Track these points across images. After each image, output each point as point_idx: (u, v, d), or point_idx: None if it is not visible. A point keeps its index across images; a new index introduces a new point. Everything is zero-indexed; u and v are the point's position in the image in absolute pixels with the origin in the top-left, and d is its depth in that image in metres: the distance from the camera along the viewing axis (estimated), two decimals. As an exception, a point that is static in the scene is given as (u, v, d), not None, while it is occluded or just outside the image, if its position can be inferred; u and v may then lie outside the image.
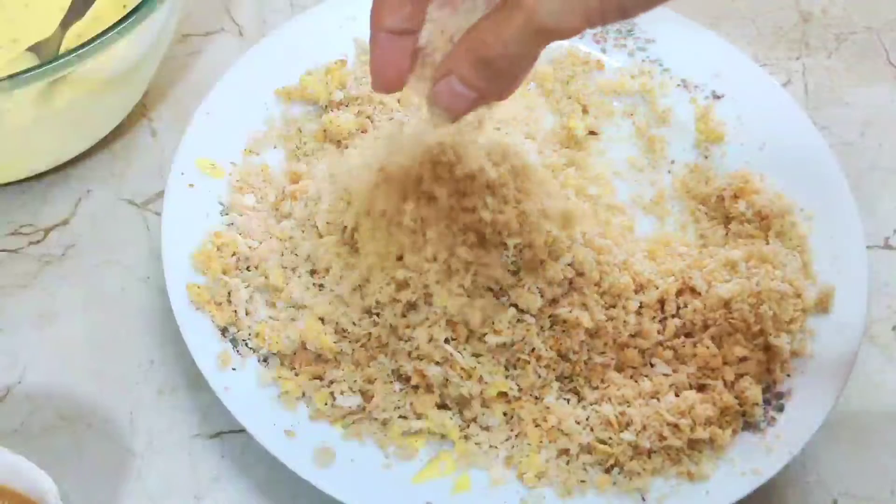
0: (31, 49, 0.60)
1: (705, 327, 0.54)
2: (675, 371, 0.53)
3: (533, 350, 0.51)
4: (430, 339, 0.51)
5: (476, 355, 0.51)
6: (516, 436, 0.52)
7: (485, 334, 0.51)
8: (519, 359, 0.51)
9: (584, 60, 0.65)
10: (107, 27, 0.52)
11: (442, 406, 0.52)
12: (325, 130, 0.60)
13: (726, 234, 0.59)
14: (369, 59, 0.45)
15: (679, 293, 0.55)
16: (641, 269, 0.55)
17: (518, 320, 0.51)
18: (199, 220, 0.56)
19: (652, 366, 0.54)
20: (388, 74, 0.44)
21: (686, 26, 0.65)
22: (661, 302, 0.55)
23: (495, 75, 0.43)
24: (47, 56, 0.59)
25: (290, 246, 0.55)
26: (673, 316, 0.54)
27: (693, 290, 0.55)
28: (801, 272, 0.56)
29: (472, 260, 0.50)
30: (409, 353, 0.51)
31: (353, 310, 0.52)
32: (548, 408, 0.52)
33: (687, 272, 0.55)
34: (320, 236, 0.54)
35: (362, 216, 0.52)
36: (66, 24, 0.61)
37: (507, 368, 0.51)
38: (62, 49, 0.60)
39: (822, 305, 0.55)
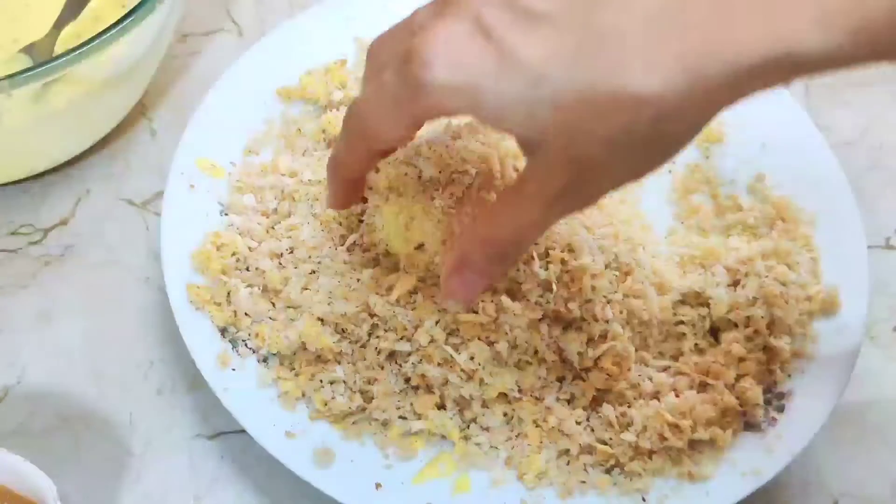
0: (23, 50, 0.60)
1: (713, 330, 0.54)
2: (676, 372, 0.53)
3: (536, 352, 0.51)
4: (431, 340, 0.51)
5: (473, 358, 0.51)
6: (516, 436, 0.51)
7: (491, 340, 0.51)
8: (520, 360, 0.51)
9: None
10: (106, 27, 0.52)
11: (442, 406, 0.52)
12: (324, 130, 0.60)
13: (727, 235, 0.59)
14: (328, 188, 0.50)
15: (692, 298, 0.55)
16: (664, 274, 0.54)
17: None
18: (198, 221, 0.56)
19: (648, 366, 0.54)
20: (343, 202, 0.51)
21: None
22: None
23: (507, 262, 0.45)
24: (40, 57, 0.59)
25: (290, 245, 0.55)
26: (681, 324, 0.54)
27: (702, 296, 0.55)
28: (811, 273, 0.56)
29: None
30: (410, 354, 0.51)
31: (353, 308, 0.52)
32: (548, 408, 0.52)
33: (703, 277, 0.55)
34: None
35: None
36: (59, 24, 0.61)
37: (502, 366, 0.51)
38: (56, 50, 0.60)
39: (828, 308, 0.55)
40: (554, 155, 0.40)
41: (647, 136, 0.38)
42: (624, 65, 0.37)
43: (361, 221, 0.54)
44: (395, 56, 0.41)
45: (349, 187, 0.50)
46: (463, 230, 0.49)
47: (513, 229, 0.43)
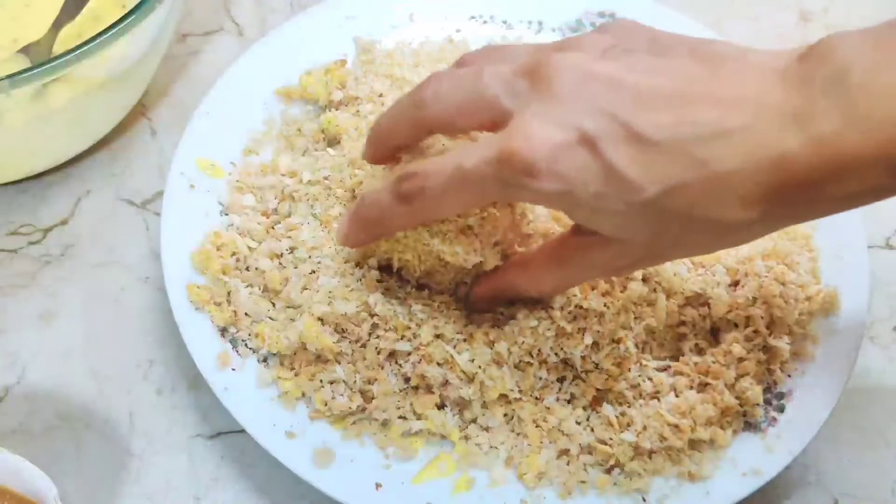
0: (21, 51, 0.60)
1: (713, 329, 0.54)
2: (676, 372, 0.53)
3: (539, 352, 0.51)
4: (435, 339, 0.51)
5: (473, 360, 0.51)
6: (517, 436, 0.51)
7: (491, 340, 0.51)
8: (520, 360, 0.51)
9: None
10: (106, 27, 0.52)
11: (442, 406, 0.52)
12: (323, 130, 0.60)
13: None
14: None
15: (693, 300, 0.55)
16: (672, 280, 0.55)
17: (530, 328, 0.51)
18: (198, 220, 0.56)
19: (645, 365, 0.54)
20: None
21: (687, 26, 0.65)
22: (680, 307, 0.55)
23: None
24: (38, 58, 0.59)
25: (290, 245, 0.55)
26: (681, 324, 0.54)
27: (702, 295, 0.55)
28: (811, 273, 0.56)
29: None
30: (410, 354, 0.51)
31: (353, 308, 0.52)
32: (548, 408, 0.52)
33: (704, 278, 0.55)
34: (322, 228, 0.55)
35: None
36: (58, 24, 0.61)
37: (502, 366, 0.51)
38: (54, 50, 0.60)
39: (828, 308, 0.55)
40: (631, 244, 0.44)
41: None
42: (723, 200, 0.40)
43: None
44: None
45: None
46: (509, 270, 0.51)
47: (550, 288, 0.49)
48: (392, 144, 0.49)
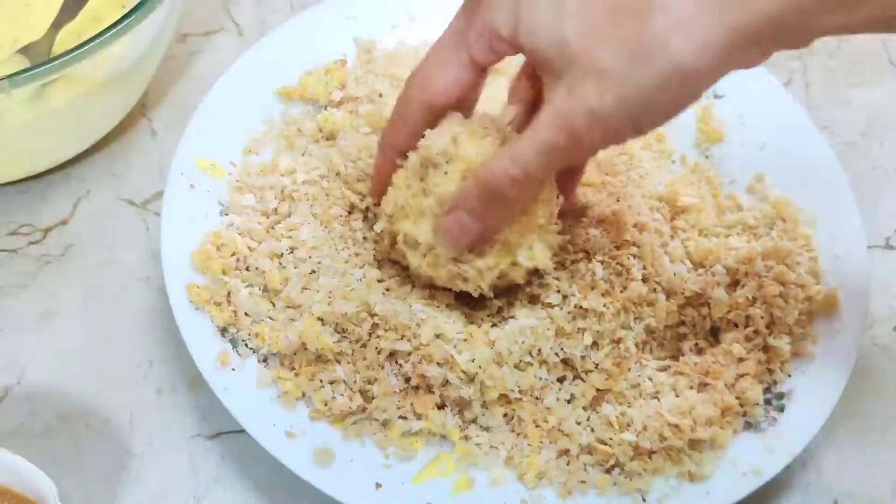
0: (20, 51, 0.60)
1: (713, 329, 0.54)
2: (676, 372, 0.53)
3: (539, 352, 0.51)
4: (435, 339, 0.51)
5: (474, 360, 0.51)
6: (517, 436, 0.51)
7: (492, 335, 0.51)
8: (520, 360, 0.51)
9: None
10: (106, 27, 0.52)
11: (442, 406, 0.52)
12: (321, 129, 0.60)
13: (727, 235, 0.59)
14: (374, 165, 0.52)
15: (695, 298, 0.55)
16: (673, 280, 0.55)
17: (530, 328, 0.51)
18: (198, 221, 0.56)
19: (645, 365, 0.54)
20: (384, 184, 0.51)
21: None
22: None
23: (501, 205, 0.46)
24: (37, 58, 0.59)
25: (290, 245, 0.55)
26: (681, 324, 0.54)
27: (702, 295, 0.55)
28: (811, 273, 0.56)
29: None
30: (410, 354, 0.51)
31: (353, 308, 0.52)
32: (548, 408, 0.51)
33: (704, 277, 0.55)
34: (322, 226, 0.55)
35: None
36: (57, 25, 0.61)
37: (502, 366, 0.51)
38: (54, 50, 0.60)
39: (828, 308, 0.55)
40: (580, 69, 0.41)
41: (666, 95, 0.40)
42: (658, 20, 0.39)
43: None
44: None
45: (392, 165, 0.51)
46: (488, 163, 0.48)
47: (510, 161, 0.44)
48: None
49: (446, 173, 0.48)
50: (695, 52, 0.39)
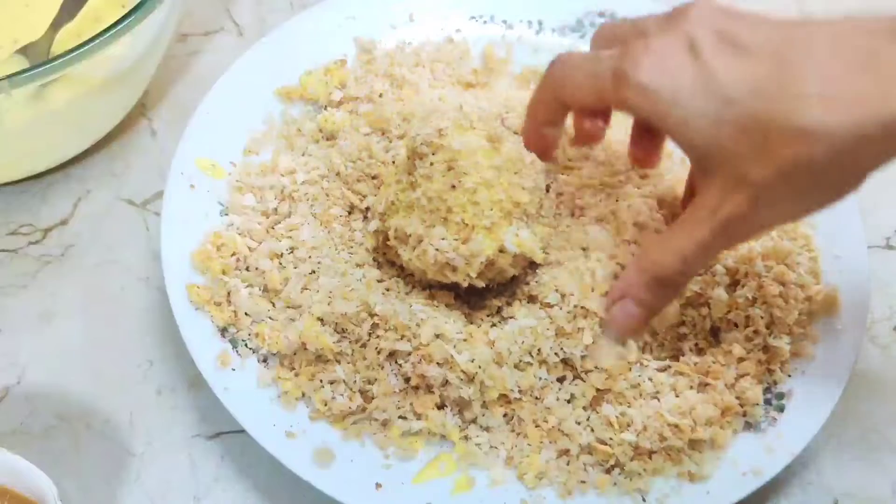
0: (19, 52, 0.60)
1: (713, 329, 0.54)
2: (676, 372, 0.53)
3: (539, 352, 0.51)
4: (435, 339, 0.51)
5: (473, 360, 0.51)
6: (517, 436, 0.51)
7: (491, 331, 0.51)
8: (520, 360, 0.51)
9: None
10: (106, 27, 0.52)
11: (442, 406, 0.52)
12: (320, 129, 0.60)
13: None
14: (524, 130, 0.54)
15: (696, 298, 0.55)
16: None
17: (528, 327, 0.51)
18: (198, 221, 0.56)
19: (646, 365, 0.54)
20: (537, 149, 0.53)
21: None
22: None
23: (669, 291, 0.48)
24: (36, 58, 0.59)
25: (290, 245, 0.55)
26: (681, 324, 0.54)
27: (702, 295, 0.54)
28: (811, 273, 0.56)
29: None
30: (410, 354, 0.51)
31: (353, 308, 0.52)
32: (548, 408, 0.51)
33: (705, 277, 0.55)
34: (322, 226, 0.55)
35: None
36: (56, 25, 0.61)
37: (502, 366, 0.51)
38: (53, 50, 0.60)
39: (828, 308, 0.55)
40: (730, 177, 0.43)
41: (819, 170, 0.41)
42: (803, 99, 0.40)
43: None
44: (616, 45, 0.47)
45: (539, 129, 0.53)
46: (647, 250, 0.51)
47: (678, 255, 0.46)
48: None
49: (432, 164, 0.50)
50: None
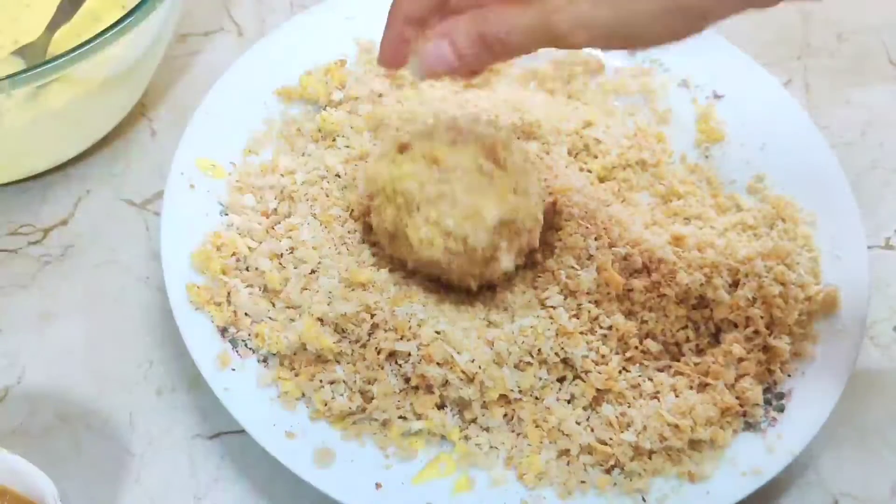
0: (15, 53, 0.60)
1: (716, 330, 0.54)
2: (676, 372, 0.53)
3: (539, 352, 0.51)
4: (435, 339, 0.51)
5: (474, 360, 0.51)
6: (517, 436, 0.51)
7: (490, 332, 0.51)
8: (520, 360, 0.51)
9: (585, 60, 0.65)
10: (105, 27, 0.52)
11: (442, 406, 0.52)
12: (320, 129, 0.60)
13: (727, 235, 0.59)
14: (382, 35, 0.48)
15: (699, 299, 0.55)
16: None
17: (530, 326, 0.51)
18: (198, 221, 0.56)
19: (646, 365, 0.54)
20: (393, 53, 0.48)
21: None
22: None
23: (485, 52, 0.45)
24: (33, 59, 0.59)
25: (290, 245, 0.55)
26: (684, 327, 0.54)
27: (703, 296, 0.55)
28: (811, 273, 0.56)
29: None
30: (410, 354, 0.51)
31: (353, 308, 0.52)
32: (548, 408, 0.51)
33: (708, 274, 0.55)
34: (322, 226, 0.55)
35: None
36: (52, 27, 0.61)
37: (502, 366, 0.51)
38: (50, 51, 0.60)
39: (827, 308, 0.55)
40: None
41: None
42: None
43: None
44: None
45: (401, 36, 0.48)
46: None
47: (504, 22, 0.43)
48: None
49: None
50: None
